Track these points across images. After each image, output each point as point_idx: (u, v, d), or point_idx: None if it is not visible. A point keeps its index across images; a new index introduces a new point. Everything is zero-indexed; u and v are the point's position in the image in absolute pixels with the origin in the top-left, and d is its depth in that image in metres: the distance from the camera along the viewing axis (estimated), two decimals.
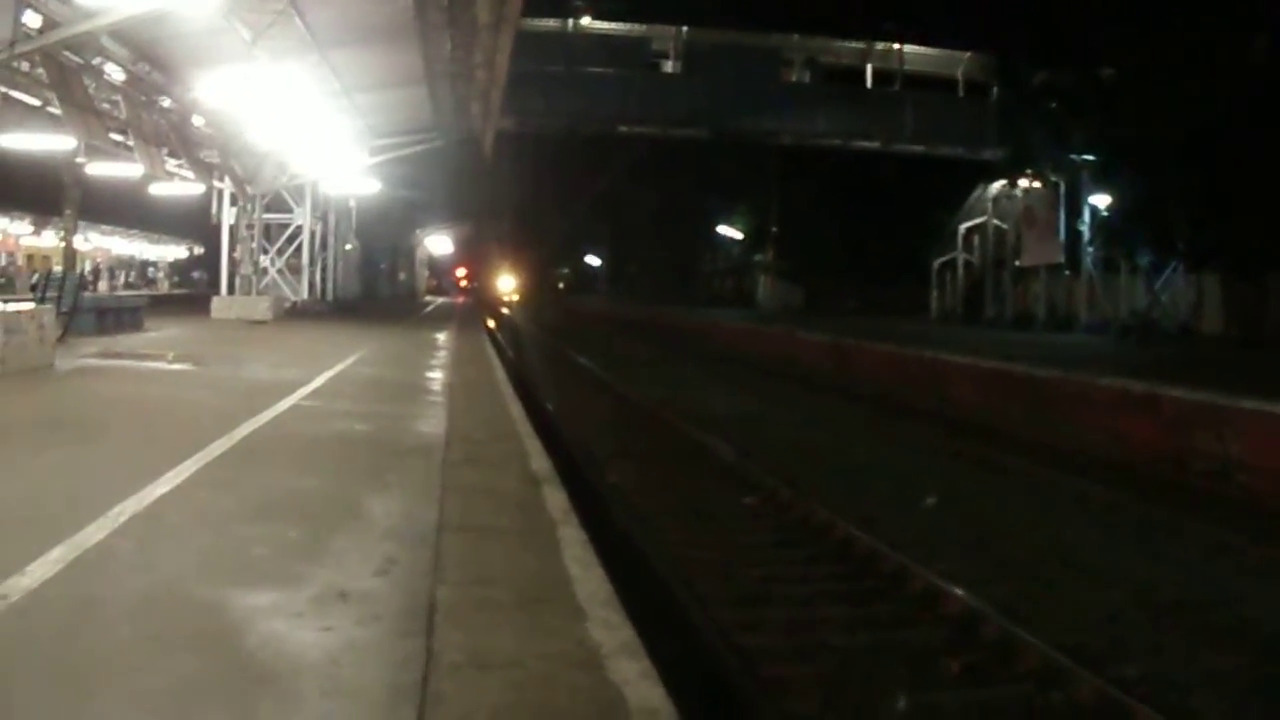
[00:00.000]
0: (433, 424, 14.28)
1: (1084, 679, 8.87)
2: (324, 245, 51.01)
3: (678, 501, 15.94)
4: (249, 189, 41.99)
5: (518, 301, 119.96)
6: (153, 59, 27.84)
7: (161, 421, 13.64)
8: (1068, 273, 51.71)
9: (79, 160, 31.62)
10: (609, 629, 5.94)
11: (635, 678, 5.21)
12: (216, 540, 7.68)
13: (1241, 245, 40.37)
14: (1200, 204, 40.98)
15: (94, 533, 7.59)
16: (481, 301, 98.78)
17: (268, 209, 44.02)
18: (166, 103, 31.52)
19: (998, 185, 57.41)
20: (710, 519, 14.98)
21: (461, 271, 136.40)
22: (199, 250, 77.09)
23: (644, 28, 56.71)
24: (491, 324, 55.07)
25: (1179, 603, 11.52)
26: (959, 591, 10.97)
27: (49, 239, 57.89)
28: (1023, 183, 54.25)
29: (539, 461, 11.67)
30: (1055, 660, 9.25)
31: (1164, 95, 40.83)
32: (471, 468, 11.08)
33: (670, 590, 11.21)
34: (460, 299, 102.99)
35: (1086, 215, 48.97)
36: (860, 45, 57.57)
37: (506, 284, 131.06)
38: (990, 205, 58.68)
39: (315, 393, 17.26)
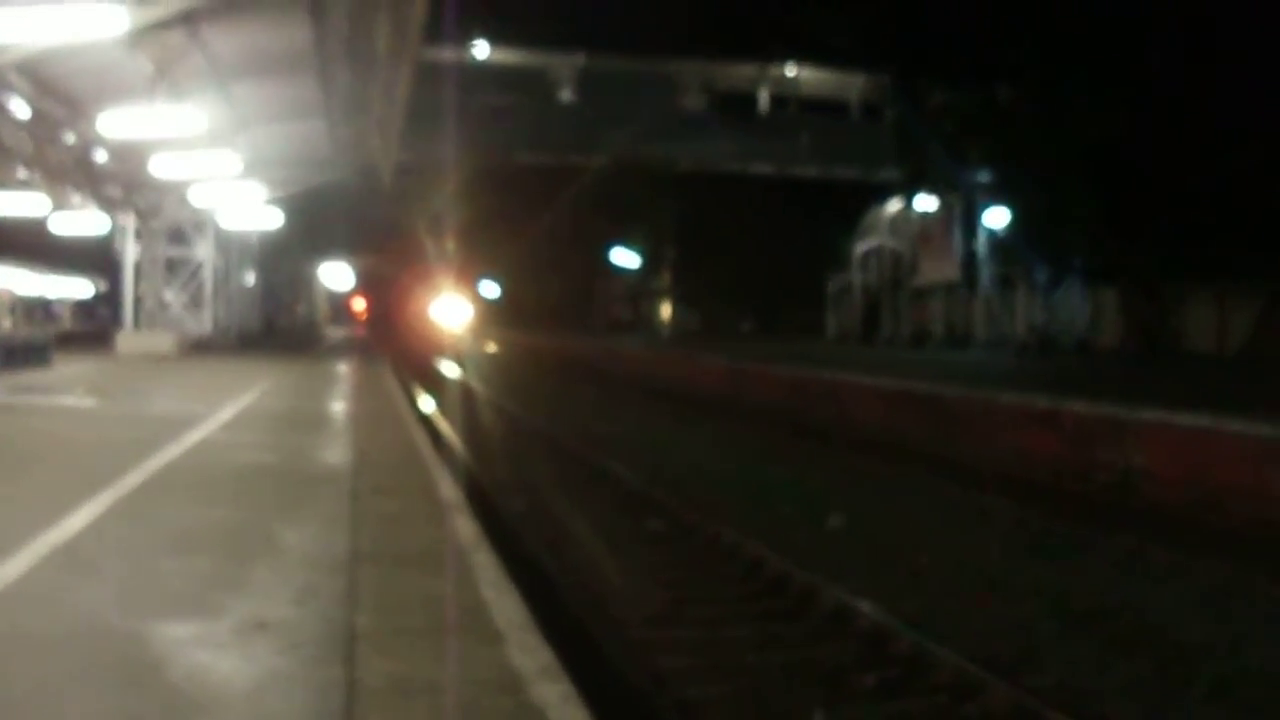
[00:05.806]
0: (340, 454, 14.36)
1: (998, 689, 9.01)
2: (226, 279, 50.62)
3: (584, 527, 15.98)
4: (152, 224, 41.67)
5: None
6: (57, 94, 27.65)
7: (73, 456, 13.62)
8: (964, 290, 52.26)
9: None
10: (528, 652, 6.06)
11: (558, 701, 5.33)
12: (135, 574, 7.73)
13: (1139, 260, 41.04)
14: (1097, 220, 41.62)
15: (10, 569, 7.60)
16: (384, 339, 79.39)
17: (170, 243, 43.69)
18: (70, 138, 31.27)
19: (893, 206, 58.01)
20: (615, 543, 15.04)
21: (360, 304, 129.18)
22: (104, 286, 75.98)
23: (540, 58, 56.81)
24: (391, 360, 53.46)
25: (1087, 612, 11.72)
26: (868, 608, 11.13)
27: None
28: (918, 202, 54.81)
29: (446, 489, 11.77)
30: (968, 671, 9.39)
31: (1061, 113, 41.55)
32: (381, 496, 11.16)
33: (579, 614, 11.31)
34: (359, 332, 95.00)
35: (982, 235, 49.52)
36: (753, 69, 57.94)
37: (455, 313, 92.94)
38: (886, 225, 59.24)
39: (224, 426, 17.24)
